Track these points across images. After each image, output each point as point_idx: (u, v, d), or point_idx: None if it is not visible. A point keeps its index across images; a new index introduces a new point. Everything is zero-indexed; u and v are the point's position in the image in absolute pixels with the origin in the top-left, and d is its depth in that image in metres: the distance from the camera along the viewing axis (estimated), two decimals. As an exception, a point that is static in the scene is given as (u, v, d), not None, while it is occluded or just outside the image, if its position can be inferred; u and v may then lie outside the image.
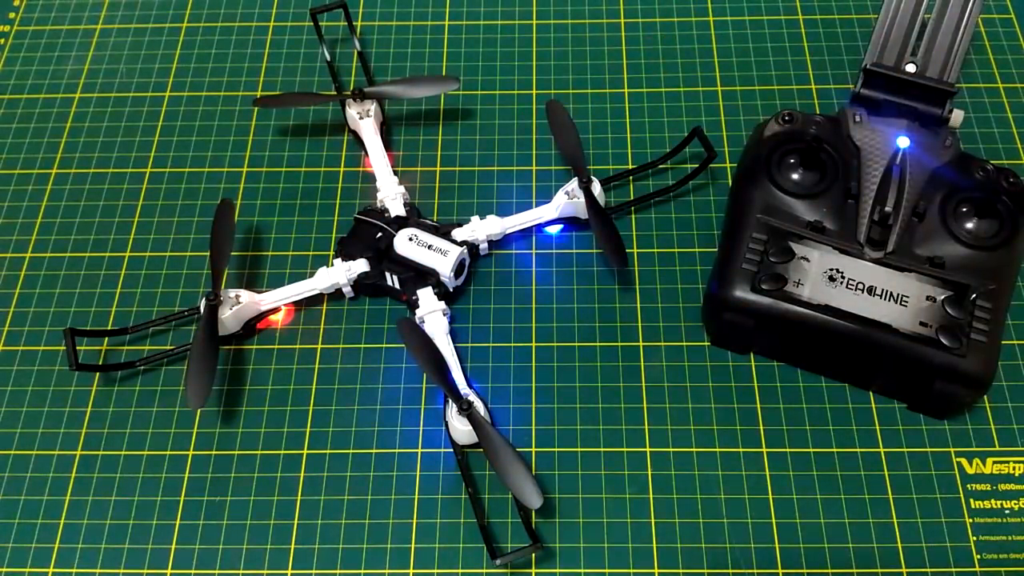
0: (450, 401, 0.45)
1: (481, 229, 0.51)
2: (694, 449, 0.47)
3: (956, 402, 0.46)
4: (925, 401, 0.47)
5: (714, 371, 0.49)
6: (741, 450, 0.47)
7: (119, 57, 0.62)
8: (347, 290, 0.51)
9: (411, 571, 0.44)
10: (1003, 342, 0.48)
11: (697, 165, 0.54)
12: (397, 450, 0.47)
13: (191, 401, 0.45)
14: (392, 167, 0.55)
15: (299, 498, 0.46)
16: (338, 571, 0.44)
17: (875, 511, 0.45)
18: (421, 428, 0.48)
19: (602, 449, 0.47)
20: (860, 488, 0.46)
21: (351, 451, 0.47)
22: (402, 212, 0.52)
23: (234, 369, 0.50)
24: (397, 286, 0.50)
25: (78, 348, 0.48)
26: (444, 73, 0.60)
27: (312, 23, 0.60)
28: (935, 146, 0.50)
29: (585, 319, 0.51)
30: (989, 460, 0.46)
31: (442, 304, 0.49)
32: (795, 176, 0.49)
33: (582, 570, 0.44)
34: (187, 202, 0.56)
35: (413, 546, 0.45)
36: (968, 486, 0.46)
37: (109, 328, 0.51)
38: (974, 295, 0.45)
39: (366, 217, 0.52)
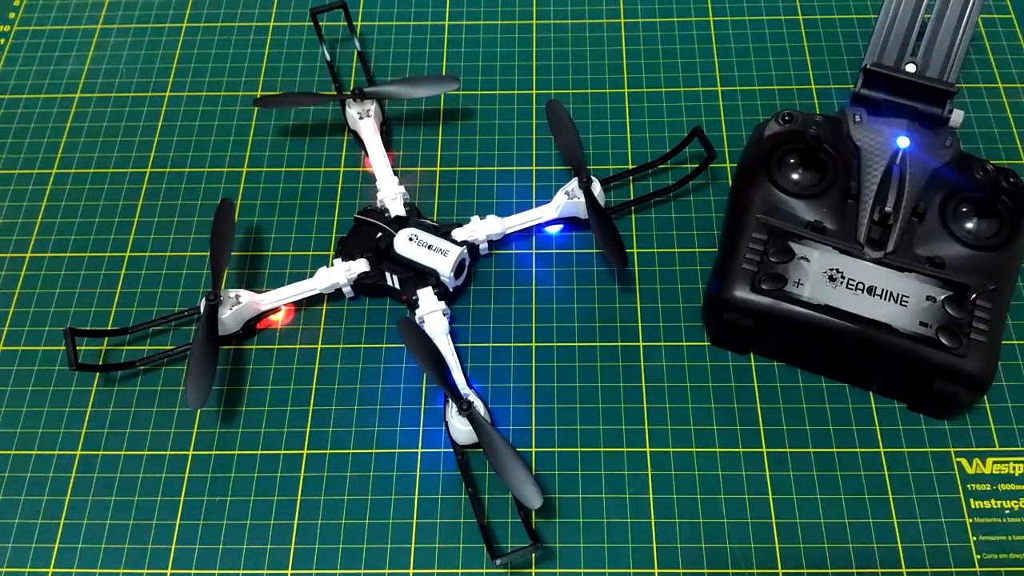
0: (450, 401, 0.45)
1: (481, 229, 0.51)
2: (694, 449, 0.47)
3: (956, 402, 0.46)
4: (925, 401, 0.47)
5: (714, 371, 0.49)
6: (741, 450, 0.47)
7: (119, 57, 0.62)
8: (347, 290, 0.51)
9: (411, 571, 0.44)
10: (1003, 342, 0.48)
11: (697, 165, 0.54)
12: (397, 450, 0.47)
13: (191, 401, 0.45)
14: (392, 167, 0.55)
15: (299, 498, 0.46)
16: (338, 571, 0.44)
17: (875, 511, 0.45)
18: (421, 428, 0.48)
19: (602, 449, 0.47)
20: (860, 488, 0.46)
21: (351, 451, 0.47)
22: (402, 212, 0.52)
23: (234, 369, 0.50)
24: (397, 286, 0.50)
25: (78, 348, 0.48)
26: (444, 73, 0.60)
27: (312, 23, 0.60)
28: (935, 146, 0.50)
29: (585, 319, 0.51)
30: (989, 460, 0.47)
31: (442, 304, 0.49)
32: (795, 176, 0.49)
33: (582, 570, 0.44)
34: (187, 202, 0.56)
35: (413, 546, 0.45)
36: (968, 486, 0.46)
37: (109, 328, 0.51)
38: (974, 295, 0.45)
39: (366, 217, 0.52)
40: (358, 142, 0.57)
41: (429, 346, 0.45)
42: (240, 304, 0.49)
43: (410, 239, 0.50)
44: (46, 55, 0.63)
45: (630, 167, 0.56)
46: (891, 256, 0.47)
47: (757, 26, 0.62)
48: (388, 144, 0.57)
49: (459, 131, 0.58)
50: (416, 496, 0.46)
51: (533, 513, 0.45)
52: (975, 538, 0.44)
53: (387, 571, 0.44)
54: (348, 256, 0.51)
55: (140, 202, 0.56)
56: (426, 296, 0.49)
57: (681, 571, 0.44)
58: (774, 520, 0.45)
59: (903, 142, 0.49)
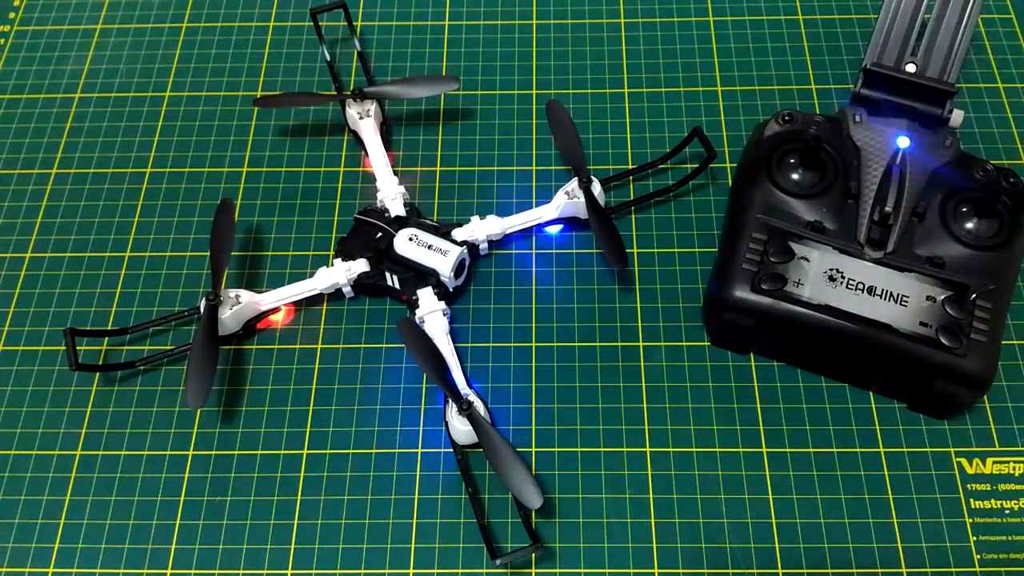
0: (450, 401, 0.45)
1: (481, 229, 0.51)
2: (694, 449, 0.47)
3: (956, 402, 0.46)
4: (925, 401, 0.47)
5: (714, 371, 0.49)
6: (741, 450, 0.47)
7: (119, 57, 0.62)
8: (347, 290, 0.51)
9: (411, 571, 0.44)
10: (1003, 342, 0.48)
11: (697, 165, 0.54)
12: (397, 450, 0.47)
13: (191, 401, 0.45)
14: (392, 167, 0.55)
15: (299, 498, 0.46)
16: (338, 571, 0.44)
17: (875, 511, 0.45)
18: (421, 428, 0.48)
19: (602, 449, 0.47)
20: (860, 488, 0.46)
21: (351, 451, 0.47)
22: (402, 212, 0.52)
23: (234, 369, 0.50)
24: (397, 286, 0.50)
25: (78, 348, 0.48)
26: (444, 73, 0.60)
27: (312, 23, 0.60)
28: (935, 146, 0.50)
29: (585, 319, 0.51)
30: (989, 460, 0.47)
31: (442, 304, 0.49)
32: (795, 176, 0.49)
33: (582, 570, 0.44)
34: (187, 202, 0.56)
35: (413, 546, 0.45)
36: (968, 486, 0.46)
37: (109, 328, 0.51)
38: (974, 295, 0.45)
39: (366, 217, 0.52)
40: (358, 142, 0.57)
41: (429, 346, 0.45)
42: (240, 304, 0.49)
43: (410, 239, 0.50)
44: (46, 55, 0.63)
45: (630, 167, 0.56)
46: (891, 256, 0.47)
47: (757, 26, 0.62)
48: (388, 144, 0.57)
49: (459, 131, 0.58)
50: (416, 496, 0.46)
51: (533, 513, 0.45)
52: (975, 538, 0.44)
53: (387, 571, 0.44)
54: (348, 256, 0.51)
55: (140, 202, 0.56)
56: (426, 296, 0.49)
57: (681, 571, 0.44)
58: (774, 520, 0.45)
59: (903, 142, 0.49)
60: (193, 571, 0.45)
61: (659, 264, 0.53)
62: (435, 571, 0.44)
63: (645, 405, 0.48)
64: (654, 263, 0.53)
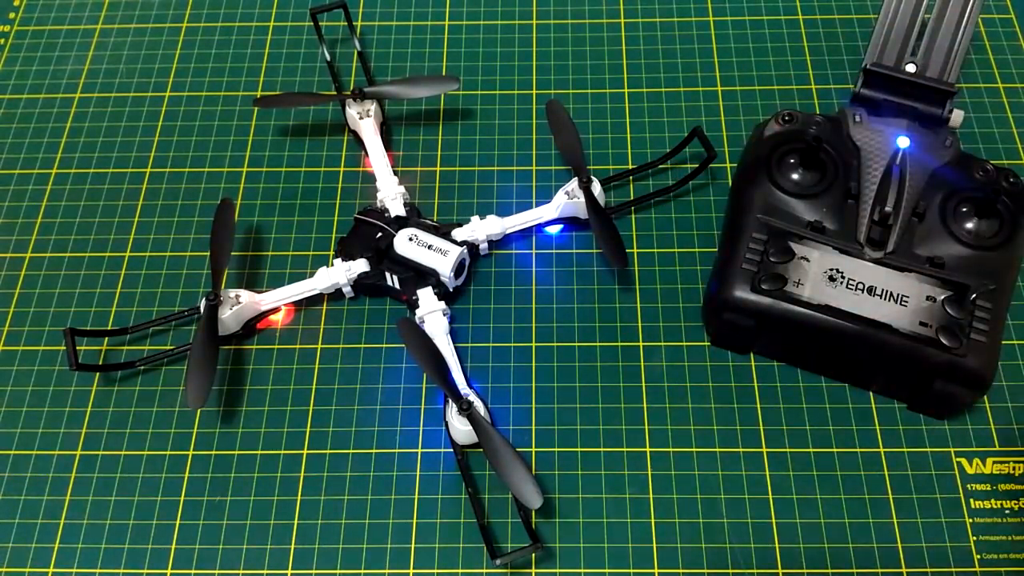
0: (450, 401, 0.45)
1: (481, 229, 0.51)
2: (694, 449, 0.47)
3: (956, 402, 0.46)
4: (925, 401, 0.47)
5: (714, 371, 0.49)
6: (741, 450, 0.47)
7: (119, 57, 0.62)
8: (347, 290, 0.51)
9: (411, 571, 0.44)
10: (1003, 342, 0.48)
11: (697, 165, 0.54)
12: (397, 450, 0.47)
13: (191, 401, 0.45)
14: (392, 167, 0.55)
15: (299, 498, 0.46)
16: (338, 571, 0.44)
17: (875, 511, 0.45)
18: (421, 428, 0.48)
19: (602, 449, 0.47)
20: (860, 488, 0.46)
21: (351, 451, 0.47)
22: (402, 212, 0.52)
23: (234, 369, 0.50)
24: (397, 286, 0.50)
25: (78, 348, 0.48)
26: (444, 73, 0.60)
27: (312, 23, 0.60)
28: (935, 146, 0.50)
29: (585, 319, 0.51)
30: (989, 460, 0.47)
31: (442, 304, 0.49)
32: (795, 176, 0.49)
33: (582, 570, 0.44)
34: (187, 202, 0.56)
35: (413, 546, 0.45)
36: (968, 486, 0.46)
37: (109, 328, 0.51)
38: (974, 295, 0.45)
39: (366, 217, 0.52)
40: (358, 142, 0.57)
41: (429, 346, 0.45)
42: (240, 304, 0.49)
43: (410, 239, 0.50)
44: (46, 55, 0.63)
45: (630, 167, 0.56)
46: (891, 256, 0.47)
47: (757, 26, 0.62)
48: (388, 144, 0.57)
49: (459, 131, 0.58)
50: (416, 496, 0.46)
51: (533, 513, 0.45)
52: (975, 538, 0.44)
53: (387, 571, 0.44)
54: (348, 256, 0.51)
55: (140, 202, 0.56)
56: (426, 296, 0.49)
57: (681, 571, 0.44)
58: (774, 520, 0.45)
59: (903, 142, 0.49)
60: (193, 571, 0.45)
61: (659, 264, 0.53)
62: (435, 571, 0.44)
63: (645, 405, 0.48)
64: (654, 263, 0.53)
